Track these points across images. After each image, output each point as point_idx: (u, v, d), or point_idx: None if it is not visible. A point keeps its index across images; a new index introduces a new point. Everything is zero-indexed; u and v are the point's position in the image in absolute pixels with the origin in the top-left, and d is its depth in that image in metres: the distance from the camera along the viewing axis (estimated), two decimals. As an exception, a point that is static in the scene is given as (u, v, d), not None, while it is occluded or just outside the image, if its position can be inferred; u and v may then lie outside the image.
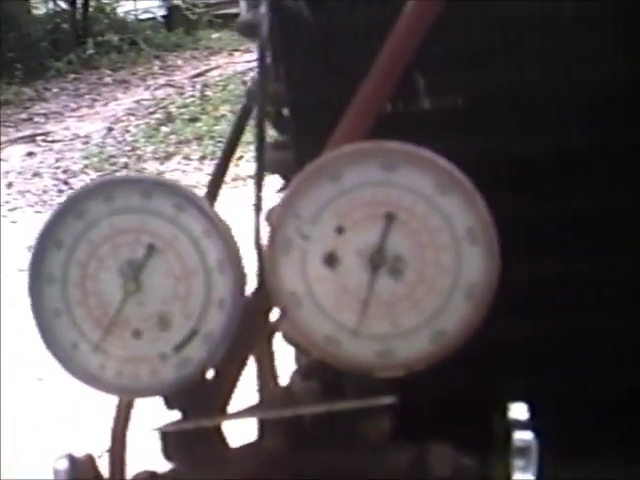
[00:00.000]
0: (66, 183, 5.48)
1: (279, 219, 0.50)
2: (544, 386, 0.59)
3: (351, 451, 0.51)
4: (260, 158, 0.55)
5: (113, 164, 5.68)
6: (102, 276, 0.51)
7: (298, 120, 0.61)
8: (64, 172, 5.69)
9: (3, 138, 6.50)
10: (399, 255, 0.49)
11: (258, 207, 0.57)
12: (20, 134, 6.72)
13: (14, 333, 3.38)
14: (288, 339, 0.59)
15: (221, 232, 0.50)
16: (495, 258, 0.48)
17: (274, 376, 0.60)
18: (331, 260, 0.50)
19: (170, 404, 0.52)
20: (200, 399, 0.52)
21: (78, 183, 5.46)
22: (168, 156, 5.66)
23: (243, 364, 0.56)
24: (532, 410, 0.49)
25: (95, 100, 7.59)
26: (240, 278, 0.51)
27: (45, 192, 5.39)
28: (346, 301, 0.49)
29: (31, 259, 0.52)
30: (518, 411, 0.49)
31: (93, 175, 5.53)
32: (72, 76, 8.35)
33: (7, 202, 5.16)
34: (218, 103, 6.47)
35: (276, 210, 0.50)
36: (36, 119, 7.13)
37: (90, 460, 0.54)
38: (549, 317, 0.63)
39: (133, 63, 8.66)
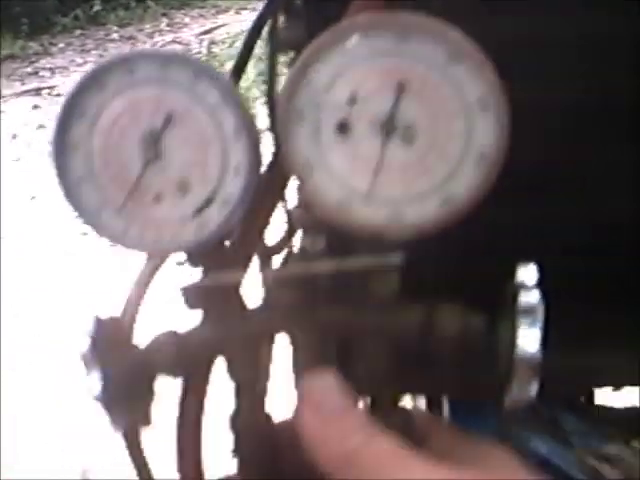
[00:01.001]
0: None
1: (292, 89, 0.51)
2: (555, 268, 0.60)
3: (362, 309, 0.53)
4: (272, 35, 0.56)
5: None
6: (124, 144, 0.53)
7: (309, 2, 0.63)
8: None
9: (9, 91, 6.50)
10: (410, 123, 0.50)
11: (272, 82, 0.59)
12: (26, 87, 6.72)
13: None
14: (298, 221, 0.60)
15: (236, 101, 0.52)
16: (505, 126, 0.49)
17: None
18: (344, 128, 0.51)
19: (193, 261, 0.54)
20: (219, 262, 0.54)
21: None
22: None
23: (260, 235, 0.59)
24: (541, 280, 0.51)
25: (101, 56, 7.57)
26: (255, 145, 0.52)
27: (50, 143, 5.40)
28: (358, 168, 0.51)
29: (55, 129, 0.54)
30: (526, 273, 0.50)
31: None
32: (78, 32, 8.32)
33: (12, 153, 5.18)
34: (225, 59, 6.45)
35: (288, 78, 0.51)
36: (42, 73, 7.12)
37: (116, 321, 0.56)
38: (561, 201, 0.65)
39: (140, 20, 8.62)
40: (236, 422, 0.55)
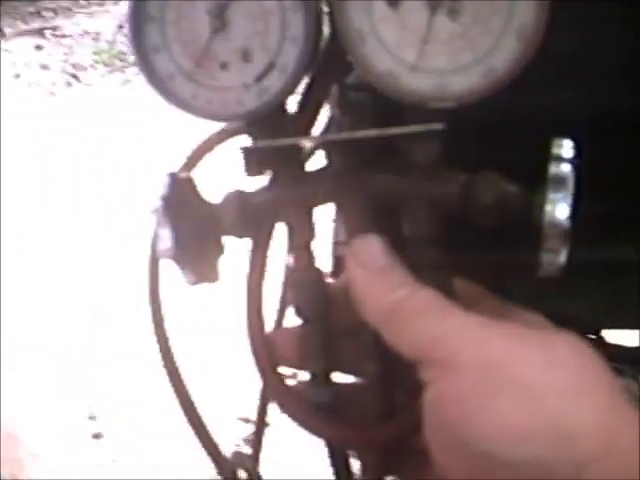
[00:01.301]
0: (75, 77, 5.50)
1: None
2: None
3: (406, 176, 0.58)
4: None
5: (123, 60, 5.69)
6: (193, 15, 0.58)
7: None
8: (73, 66, 5.69)
9: (10, 30, 6.46)
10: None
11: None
12: (28, 27, 6.68)
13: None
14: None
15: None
16: (546, 4, 0.54)
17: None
18: (394, 1, 0.55)
19: (255, 130, 0.59)
20: (280, 128, 0.59)
21: (87, 77, 5.49)
22: (178, 55, 5.66)
23: (318, 108, 0.64)
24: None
25: (105, -2, 7.55)
26: (313, 17, 0.56)
27: (53, 84, 5.41)
28: (407, 39, 0.55)
29: (132, 2, 0.58)
30: (561, 147, 0.55)
31: (102, 70, 5.55)
32: (81, -26, 8.27)
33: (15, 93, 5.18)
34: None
35: None
36: (44, 13, 7.06)
37: (188, 179, 0.61)
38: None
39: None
40: (293, 278, 0.61)
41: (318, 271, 0.62)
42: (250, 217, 0.60)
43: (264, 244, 0.63)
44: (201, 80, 0.58)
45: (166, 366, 0.77)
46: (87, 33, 6.47)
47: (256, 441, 0.87)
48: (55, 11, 7.11)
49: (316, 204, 0.61)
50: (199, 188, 0.61)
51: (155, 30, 0.58)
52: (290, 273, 0.62)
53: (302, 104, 0.63)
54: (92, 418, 2.72)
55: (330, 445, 0.65)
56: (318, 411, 0.61)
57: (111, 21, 6.68)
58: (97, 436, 2.68)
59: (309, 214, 0.61)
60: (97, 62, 5.72)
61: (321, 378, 0.62)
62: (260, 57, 0.57)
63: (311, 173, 0.61)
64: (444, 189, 0.58)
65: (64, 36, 6.43)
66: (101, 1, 7.39)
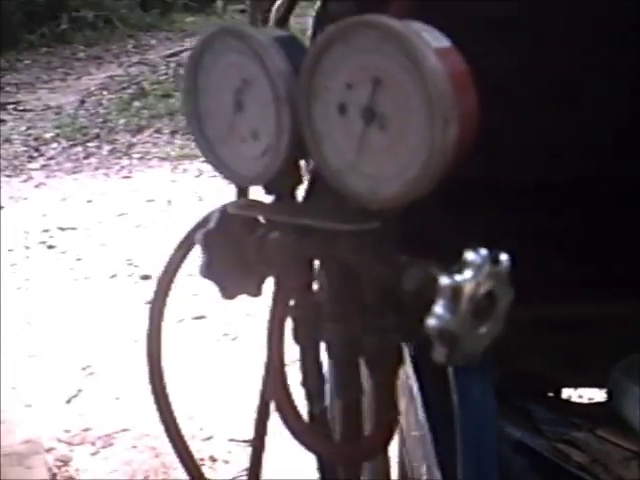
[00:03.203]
0: (37, 150, 5.54)
1: (311, 70, 0.64)
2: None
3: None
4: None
5: (85, 134, 5.75)
6: (224, 101, 0.71)
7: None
8: (35, 139, 5.75)
9: (-27, 105, 6.53)
10: (385, 113, 0.62)
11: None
12: (-10, 102, 6.76)
13: None
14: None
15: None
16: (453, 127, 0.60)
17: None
18: (342, 109, 0.64)
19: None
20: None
21: (50, 151, 5.54)
22: (140, 129, 5.74)
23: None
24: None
25: (67, 74, 7.63)
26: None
27: (16, 157, 5.45)
28: (350, 144, 0.64)
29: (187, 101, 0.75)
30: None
31: (65, 143, 5.61)
32: (45, 49, 8.37)
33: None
34: (191, 82, 6.54)
35: (306, 64, 0.65)
36: (7, 88, 7.15)
37: (239, 216, 0.73)
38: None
39: (107, 41, 8.69)
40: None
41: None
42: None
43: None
44: (229, 149, 0.72)
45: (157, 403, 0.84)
46: (49, 107, 6.55)
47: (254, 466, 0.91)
48: (18, 86, 7.20)
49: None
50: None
51: (207, 101, 0.72)
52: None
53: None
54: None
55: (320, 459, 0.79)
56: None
57: (73, 96, 6.78)
58: None
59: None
60: (59, 135, 5.78)
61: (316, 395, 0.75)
62: (264, 138, 0.69)
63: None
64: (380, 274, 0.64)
65: (25, 110, 6.49)
66: (63, 76, 7.51)
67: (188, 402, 2.32)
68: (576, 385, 1.14)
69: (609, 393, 1.07)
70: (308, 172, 0.73)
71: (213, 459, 2.38)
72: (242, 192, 0.78)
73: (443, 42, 0.62)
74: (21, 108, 6.58)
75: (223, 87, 0.71)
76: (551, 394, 1.15)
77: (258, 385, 0.80)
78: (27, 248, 3.96)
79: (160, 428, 0.85)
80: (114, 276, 3.60)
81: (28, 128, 6.02)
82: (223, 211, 0.74)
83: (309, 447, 0.75)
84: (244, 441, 2.33)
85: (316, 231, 0.69)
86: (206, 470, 2.37)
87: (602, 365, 1.02)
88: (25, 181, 5.02)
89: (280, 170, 0.69)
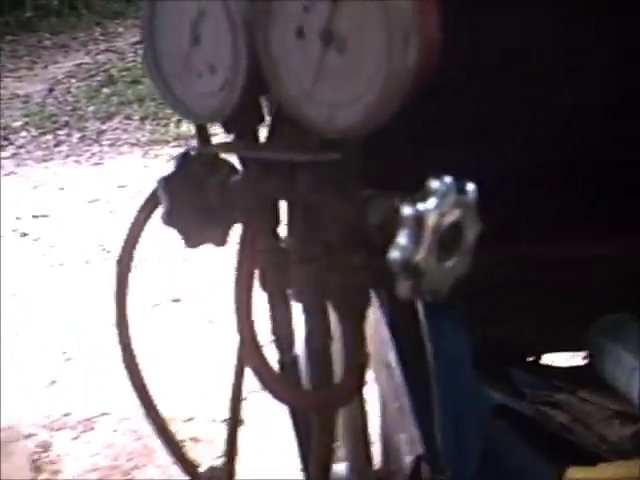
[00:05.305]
0: (6, 139, 5.49)
1: None
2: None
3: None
4: None
5: (55, 122, 5.69)
6: (182, 35, 0.70)
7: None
8: (4, 129, 5.68)
9: (-61, 96, 6.43)
10: (343, 35, 0.61)
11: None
12: (-44, 92, 6.67)
13: None
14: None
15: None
16: (421, 50, 0.59)
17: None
18: (300, 33, 0.63)
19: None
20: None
21: (19, 139, 5.49)
22: (110, 116, 5.69)
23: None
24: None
25: (34, 62, 7.53)
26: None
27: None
28: (307, 69, 0.63)
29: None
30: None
31: (34, 132, 5.56)
32: (9, 38, 8.26)
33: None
34: (160, 68, 6.49)
35: None
36: (-27, 78, 7.07)
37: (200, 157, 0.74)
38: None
39: (73, 28, 8.59)
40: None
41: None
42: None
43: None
44: (186, 85, 0.70)
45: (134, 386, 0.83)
46: (16, 96, 6.47)
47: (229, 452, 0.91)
48: (-17, 76, 7.12)
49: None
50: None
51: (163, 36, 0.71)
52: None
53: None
54: None
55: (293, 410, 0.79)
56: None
57: (40, 85, 6.71)
58: None
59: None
60: (27, 124, 5.72)
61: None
62: (221, 72, 0.68)
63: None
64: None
65: (-7, 98, 6.42)
66: (30, 65, 7.42)
67: (168, 385, 2.33)
68: (553, 350, 1.16)
69: (589, 356, 1.09)
70: (269, 111, 0.72)
71: (196, 440, 2.38)
72: (202, 132, 0.74)
73: None
74: (-12, 97, 6.50)
75: (179, 20, 0.69)
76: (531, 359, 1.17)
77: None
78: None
79: (140, 412, 0.85)
80: (88, 262, 3.58)
81: (-4, 117, 5.96)
82: (184, 154, 0.73)
83: (279, 397, 0.73)
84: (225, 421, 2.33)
85: (277, 168, 0.67)
86: (190, 451, 2.37)
87: (578, 328, 1.04)
88: (-5, 170, 4.97)
89: (239, 105, 0.68)
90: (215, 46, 0.67)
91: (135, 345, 0.83)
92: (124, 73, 6.67)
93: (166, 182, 0.73)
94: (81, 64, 7.23)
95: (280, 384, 0.74)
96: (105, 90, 6.30)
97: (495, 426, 0.95)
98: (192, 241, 0.74)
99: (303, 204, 0.68)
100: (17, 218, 4.10)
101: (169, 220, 0.73)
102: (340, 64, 0.61)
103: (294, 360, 0.78)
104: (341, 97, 0.62)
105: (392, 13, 0.58)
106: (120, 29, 8.61)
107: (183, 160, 0.73)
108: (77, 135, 5.44)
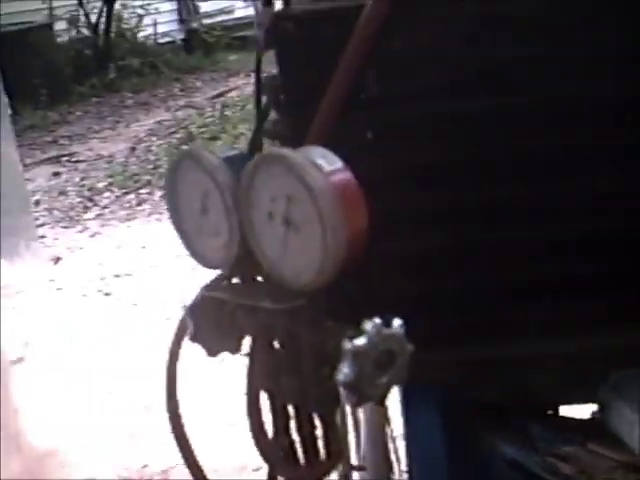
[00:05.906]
0: (91, 200, 5.74)
1: (246, 186, 0.87)
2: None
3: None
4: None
5: (137, 181, 5.93)
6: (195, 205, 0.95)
7: (291, 105, 0.95)
8: (89, 190, 5.95)
9: (30, 160, 6.75)
10: (296, 221, 0.83)
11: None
12: (46, 155, 6.99)
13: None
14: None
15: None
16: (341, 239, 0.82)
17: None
18: (270, 216, 0.85)
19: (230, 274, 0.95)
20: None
21: (103, 200, 5.74)
22: (188, 172, 5.89)
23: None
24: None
25: (117, 122, 7.86)
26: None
27: (71, 209, 5.65)
28: (277, 243, 0.85)
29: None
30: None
31: (117, 192, 5.80)
32: (95, 99, 8.64)
33: (35, 219, 5.38)
34: (237, 122, 6.70)
35: (243, 181, 0.86)
36: (61, 141, 7.39)
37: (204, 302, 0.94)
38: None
39: (153, 85, 8.94)
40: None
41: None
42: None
43: None
44: (201, 241, 0.93)
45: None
46: (101, 157, 6.76)
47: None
48: (71, 138, 7.44)
49: None
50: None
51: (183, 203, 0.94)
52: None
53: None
54: None
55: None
56: None
57: (123, 144, 6.99)
58: None
59: None
60: (111, 184, 5.97)
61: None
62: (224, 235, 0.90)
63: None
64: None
65: (78, 161, 6.71)
66: (113, 124, 7.74)
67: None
68: (570, 402, 1.21)
69: (600, 409, 1.13)
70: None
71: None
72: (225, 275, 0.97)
73: (336, 164, 0.81)
74: (74, 159, 6.81)
75: (192, 195, 0.92)
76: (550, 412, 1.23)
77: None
78: (85, 296, 4.11)
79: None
80: (168, 319, 3.72)
81: (82, 179, 6.24)
82: (202, 291, 0.96)
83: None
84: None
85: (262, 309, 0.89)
86: None
87: (594, 382, 1.10)
88: (81, 231, 5.21)
89: (237, 260, 0.90)
90: (218, 217, 0.89)
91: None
92: (203, 129, 6.91)
93: (191, 310, 0.96)
94: (161, 121, 7.51)
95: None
96: (185, 147, 6.52)
97: (508, 478, 1.04)
98: (212, 351, 0.96)
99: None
100: (101, 278, 4.29)
101: (195, 338, 0.96)
102: (297, 241, 0.84)
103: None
104: (300, 263, 0.84)
105: (322, 210, 0.80)
106: (198, 83, 8.91)
107: (201, 296, 0.96)
108: (159, 193, 5.65)
